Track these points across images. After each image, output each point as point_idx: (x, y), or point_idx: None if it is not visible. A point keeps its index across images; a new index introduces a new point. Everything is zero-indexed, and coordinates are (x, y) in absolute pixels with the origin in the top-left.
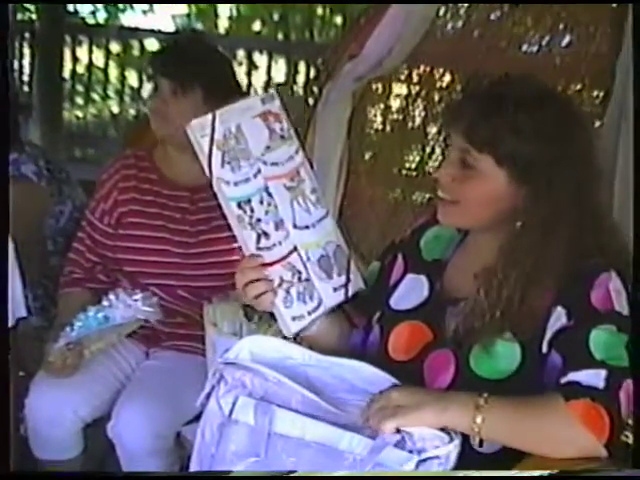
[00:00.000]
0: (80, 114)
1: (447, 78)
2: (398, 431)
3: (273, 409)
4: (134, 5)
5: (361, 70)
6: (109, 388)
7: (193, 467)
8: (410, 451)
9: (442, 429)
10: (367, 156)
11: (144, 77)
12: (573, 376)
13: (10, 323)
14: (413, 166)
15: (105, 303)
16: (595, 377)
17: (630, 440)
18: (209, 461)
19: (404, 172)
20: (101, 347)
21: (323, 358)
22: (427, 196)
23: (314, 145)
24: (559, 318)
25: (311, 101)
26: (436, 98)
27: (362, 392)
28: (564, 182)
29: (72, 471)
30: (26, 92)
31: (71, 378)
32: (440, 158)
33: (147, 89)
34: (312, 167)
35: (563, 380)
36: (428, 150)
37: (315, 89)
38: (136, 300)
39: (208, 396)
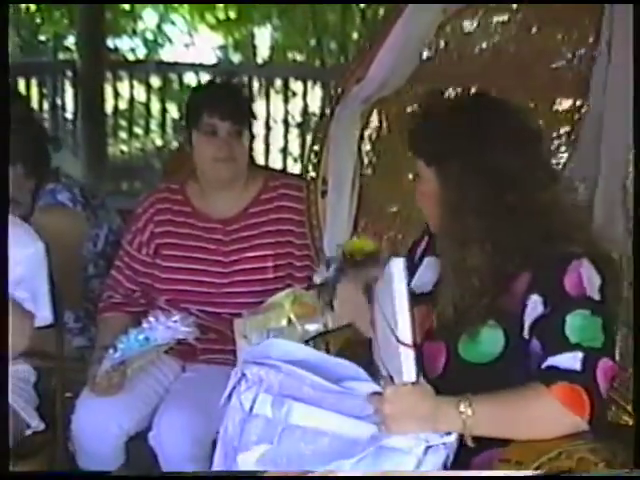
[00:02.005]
0: (124, 148)
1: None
2: None
3: (291, 403)
4: (173, 39)
5: (367, 92)
6: (150, 402)
7: (217, 459)
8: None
9: None
10: (377, 172)
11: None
12: (552, 361)
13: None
14: None
15: (145, 325)
16: (572, 360)
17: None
18: (232, 452)
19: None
20: (142, 365)
21: (332, 359)
22: None
23: (329, 163)
24: (536, 306)
25: (325, 122)
26: None
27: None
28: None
29: (72, 471)
30: (70, 129)
31: (113, 397)
32: None
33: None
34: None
35: (543, 365)
36: None
37: (327, 111)
38: (175, 321)
39: (230, 396)
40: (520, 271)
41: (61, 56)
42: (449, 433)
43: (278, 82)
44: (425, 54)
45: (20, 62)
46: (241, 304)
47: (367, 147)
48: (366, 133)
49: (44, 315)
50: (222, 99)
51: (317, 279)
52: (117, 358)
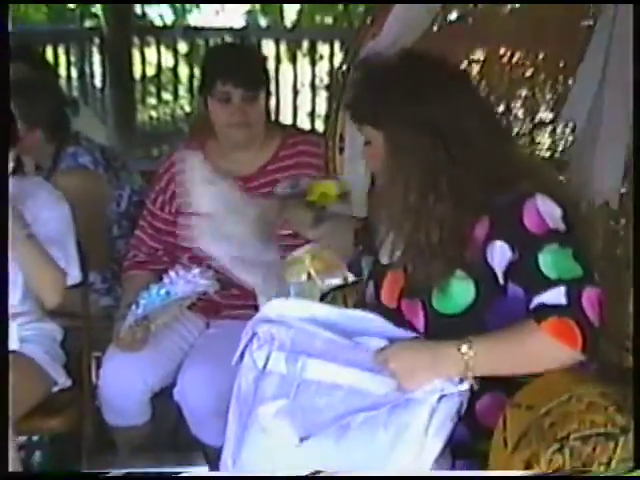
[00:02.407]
0: (152, 114)
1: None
2: None
3: (305, 358)
4: (200, 5)
5: (381, 47)
6: (174, 359)
7: (231, 417)
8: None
9: None
10: None
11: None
12: (538, 299)
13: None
14: None
15: (166, 280)
16: (556, 296)
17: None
18: (247, 410)
19: None
20: (165, 321)
21: (343, 311)
22: None
23: (346, 123)
24: (504, 252)
25: (341, 79)
26: None
27: (377, 335)
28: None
29: (72, 471)
30: (98, 96)
31: (140, 352)
32: None
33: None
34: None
35: (531, 306)
36: None
37: (345, 67)
38: (194, 275)
39: (242, 355)
40: (477, 219)
41: (88, 23)
42: (462, 382)
43: (305, 45)
44: (455, 14)
45: (47, 29)
46: None
47: None
48: None
49: (74, 274)
50: (234, 66)
51: None
52: (139, 313)
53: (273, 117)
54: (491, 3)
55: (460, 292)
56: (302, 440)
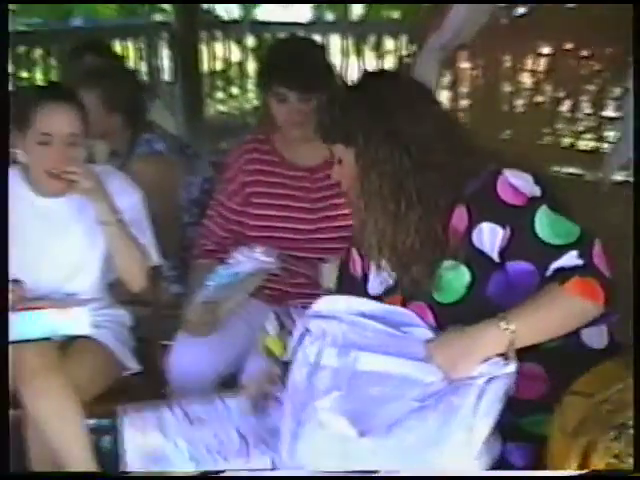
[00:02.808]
0: (220, 108)
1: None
2: None
3: (356, 351)
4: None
5: (443, 40)
6: (241, 346)
7: (286, 412)
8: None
9: None
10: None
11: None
12: (554, 265)
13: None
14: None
15: (231, 261)
16: (570, 259)
17: None
18: (301, 404)
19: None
20: (232, 306)
21: (386, 306)
22: None
23: None
24: (494, 232)
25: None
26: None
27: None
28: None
29: (72, 471)
30: (167, 90)
31: (207, 338)
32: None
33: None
34: None
35: (548, 273)
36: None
37: (409, 59)
38: (258, 253)
39: (294, 351)
40: (451, 211)
41: (157, 17)
42: (507, 364)
43: (372, 39)
44: (520, 10)
45: (116, 24)
46: (327, 249)
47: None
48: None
49: (154, 257)
50: (289, 69)
51: None
52: (208, 295)
53: None
54: (498, 3)
55: (455, 279)
56: (361, 434)
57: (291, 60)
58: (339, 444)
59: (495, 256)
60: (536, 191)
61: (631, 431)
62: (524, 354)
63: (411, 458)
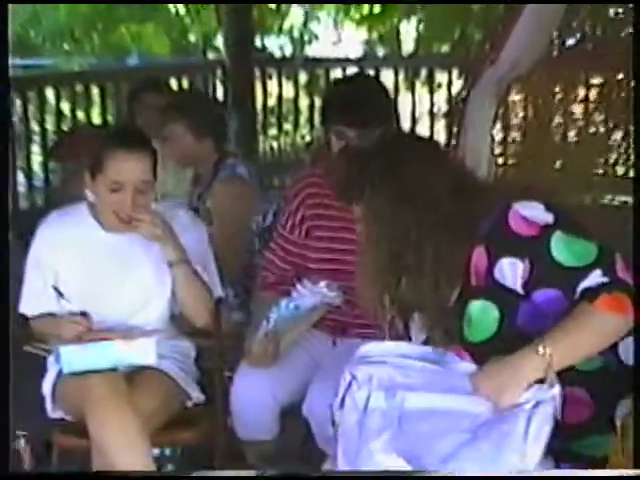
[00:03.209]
0: (273, 144)
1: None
2: None
3: (403, 392)
4: (319, 35)
5: (500, 73)
6: (302, 375)
7: (340, 458)
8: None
9: None
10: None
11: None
12: (581, 286)
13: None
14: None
15: (294, 294)
16: (595, 278)
17: None
18: (353, 449)
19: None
20: (294, 337)
21: (426, 348)
22: None
23: (466, 142)
24: (515, 266)
25: (461, 105)
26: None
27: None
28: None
29: (72, 471)
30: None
31: (270, 368)
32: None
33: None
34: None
35: (577, 295)
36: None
37: (464, 93)
38: (321, 287)
39: (342, 400)
40: (470, 252)
41: (210, 56)
42: (552, 387)
43: (423, 73)
44: (570, 41)
45: (171, 63)
46: None
47: (513, 121)
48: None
49: (217, 292)
50: (346, 108)
51: None
52: (270, 327)
53: None
54: (495, 3)
55: (484, 317)
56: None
57: (350, 98)
58: None
59: (519, 289)
60: (548, 218)
61: None
62: (566, 379)
63: None
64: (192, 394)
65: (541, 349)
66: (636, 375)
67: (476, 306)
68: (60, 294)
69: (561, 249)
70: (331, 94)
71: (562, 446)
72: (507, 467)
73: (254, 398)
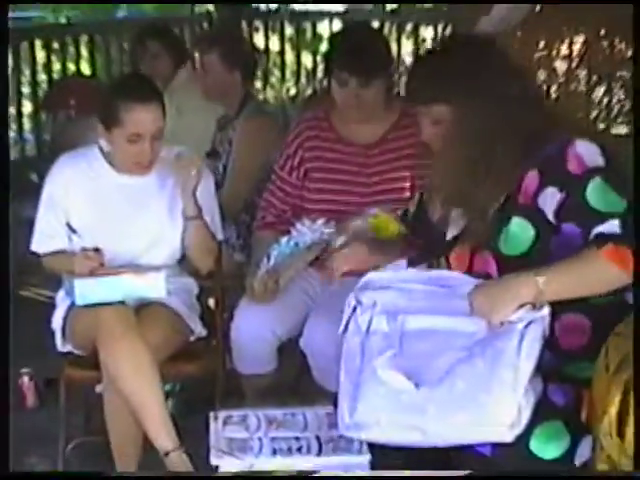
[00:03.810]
0: (260, 96)
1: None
2: None
3: (404, 315)
4: None
5: (490, 24)
6: (299, 311)
7: (343, 378)
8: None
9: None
10: None
11: (318, 59)
12: (596, 230)
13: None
14: None
15: (294, 232)
16: (611, 227)
17: None
18: (355, 369)
19: None
20: (292, 275)
21: (428, 272)
22: None
23: None
24: (554, 195)
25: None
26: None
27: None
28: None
29: (72, 472)
30: None
31: (269, 304)
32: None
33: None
34: None
35: (590, 237)
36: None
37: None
38: (319, 225)
39: (347, 325)
40: (526, 171)
41: (197, 9)
42: (542, 308)
43: (408, 27)
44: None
45: (161, 16)
46: None
47: None
48: None
49: (219, 237)
50: (350, 55)
51: None
52: (271, 264)
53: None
54: (496, 3)
55: (521, 232)
56: (417, 386)
57: (353, 47)
58: (395, 398)
59: (551, 217)
60: (599, 162)
61: None
62: (572, 306)
63: (462, 402)
64: (195, 329)
65: (538, 278)
66: (636, 375)
67: (516, 221)
68: (74, 231)
69: (595, 192)
70: (337, 41)
71: (555, 368)
72: (501, 381)
73: (254, 332)
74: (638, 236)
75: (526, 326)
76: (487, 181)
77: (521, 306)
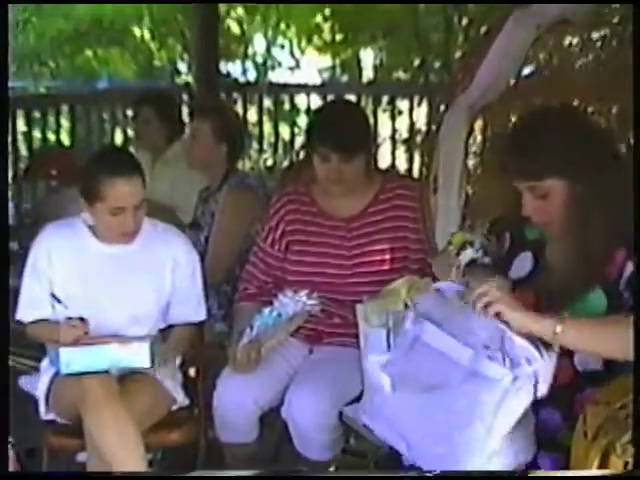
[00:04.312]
0: (239, 166)
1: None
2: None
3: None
4: (281, 62)
5: (472, 100)
6: (281, 381)
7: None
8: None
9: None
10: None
11: (296, 131)
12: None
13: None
14: None
15: (276, 303)
16: None
17: None
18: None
19: None
20: (274, 344)
21: None
22: None
23: (439, 165)
24: (629, 268)
25: (434, 128)
26: None
27: None
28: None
29: (72, 472)
30: None
31: (252, 373)
32: None
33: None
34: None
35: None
36: None
37: (438, 118)
38: (301, 296)
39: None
40: (618, 249)
41: (177, 80)
42: (530, 364)
43: (385, 99)
44: (528, 70)
45: (140, 86)
46: (362, 292)
47: (473, 148)
48: (472, 136)
49: (202, 313)
50: (333, 132)
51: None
52: (254, 334)
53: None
54: (495, 3)
55: (596, 302)
56: (393, 390)
57: (335, 124)
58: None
59: (622, 287)
60: None
61: None
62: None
63: (441, 436)
64: (177, 398)
65: (558, 318)
66: (636, 375)
67: (595, 291)
68: (58, 300)
69: None
70: (319, 117)
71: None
72: (473, 432)
73: (236, 401)
74: (638, 238)
75: (514, 380)
76: (592, 249)
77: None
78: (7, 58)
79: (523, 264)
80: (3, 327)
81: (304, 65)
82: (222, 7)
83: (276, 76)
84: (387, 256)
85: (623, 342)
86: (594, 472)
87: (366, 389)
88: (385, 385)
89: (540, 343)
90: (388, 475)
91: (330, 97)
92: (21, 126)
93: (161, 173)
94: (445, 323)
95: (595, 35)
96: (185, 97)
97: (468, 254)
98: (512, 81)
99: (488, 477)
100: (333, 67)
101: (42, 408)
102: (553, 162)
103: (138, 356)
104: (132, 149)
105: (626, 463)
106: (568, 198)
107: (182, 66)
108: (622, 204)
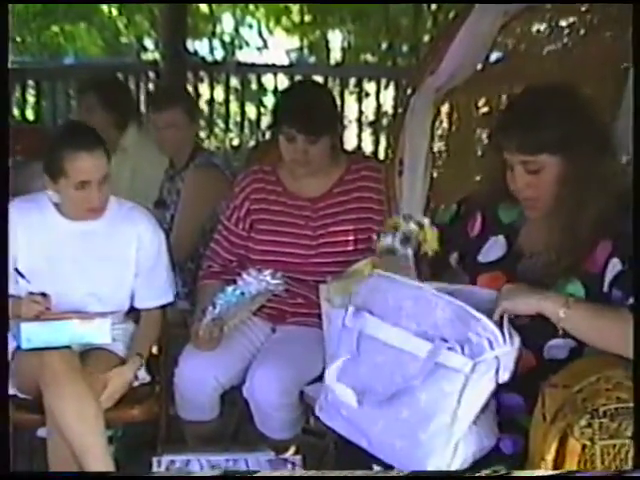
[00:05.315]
0: (204, 145)
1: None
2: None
3: (367, 317)
4: (249, 42)
5: (439, 82)
6: (243, 359)
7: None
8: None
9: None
10: (445, 156)
11: (262, 111)
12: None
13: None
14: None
15: (240, 282)
16: None
17: None
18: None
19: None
20: (237, 323)
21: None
22: None
23: (405, 148)
24: (615, 265)
25: (401, 111)
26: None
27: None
28: (593, 158)
29: (72, 472)
30: None
31: (214, 351)
32: None
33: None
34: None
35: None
36: None
37: (405, 101)
38: (265, 275)
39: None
40: (601, 239)
41: (144, 57)
42: (492, 347)
43: (352, 81)
44: (495, 55)
45: (106, 63)
46: (326, 272)
47: (439, 132)
48: (438, 119)
49: (170, 294)
50: (299, 113)
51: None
52: (216, 312)
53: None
54: (490, 3)
55: (574, 294)
56: (359, 403)
57: (302, 105)
58: (344, 407)
59: (606, 285)
60: None
61: (603, 419)
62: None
63: (404, 431)
64: (139, 374)
65: (566, 299)
66: (636, 375)
67: (573, 283)
68: (22, 275)
69: None
70: (285, 98)
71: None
72: (438, 424)
73: (197, 379)
74: (637, 238)
75: (472, 370)
76: (573, 233)
77: (531, 317)
78: (7, 58)
79: (495, 247)
80: (3, 330)
81: (272, 45)
82: None
83: (244, 56)
84: (351, 237)
85: (621, 335)
86: (595, 472)
87: (324, 389)
88: (351, 401)
89: (507, 330)
90: (388, 475)
91: (297, 78)
92: None
93: (120, 162)
94: (391, 312)
95: (563, 22)
96: (152, 75)
97: (386, 241)
98: (480, 66)
99: (478, 477)
100: (301, 48)
101: None
102: (552, 137)
103: (99, 332)
104: None
105: (584, 446)
106: (560, 176)
107: (149, 43)
108: (613, 193)
